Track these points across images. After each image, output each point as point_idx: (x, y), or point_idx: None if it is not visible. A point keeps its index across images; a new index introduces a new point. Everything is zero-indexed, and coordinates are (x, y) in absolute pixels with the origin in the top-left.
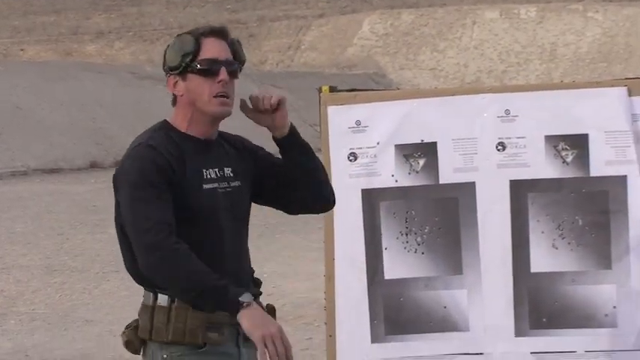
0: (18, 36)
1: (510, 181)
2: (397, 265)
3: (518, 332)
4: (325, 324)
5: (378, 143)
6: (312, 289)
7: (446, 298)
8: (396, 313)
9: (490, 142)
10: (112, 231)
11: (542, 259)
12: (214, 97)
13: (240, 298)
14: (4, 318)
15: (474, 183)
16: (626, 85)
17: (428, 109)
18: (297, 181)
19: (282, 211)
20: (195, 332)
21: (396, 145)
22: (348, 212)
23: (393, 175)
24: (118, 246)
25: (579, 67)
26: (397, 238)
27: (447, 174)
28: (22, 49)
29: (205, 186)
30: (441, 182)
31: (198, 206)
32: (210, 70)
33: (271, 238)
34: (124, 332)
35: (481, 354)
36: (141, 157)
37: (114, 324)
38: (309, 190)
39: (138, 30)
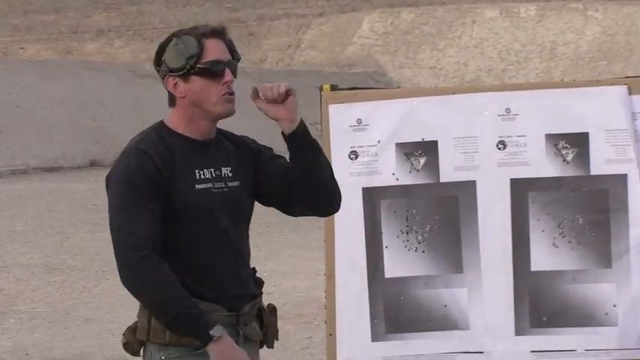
0: (18, 34)
1: (511, 179)
2: (398, 264)
3: (519, 331)
4: (325, 323)
5: (378, 142)
6: (312, 288)
7: (446, 296)
8: (396, 311)
9: (491, 141)
10: None
11: (543, 257)
12: (222, 96)
13: (211, 332)
14: (4, 317)
15: (474, 181)
16: (626, 84)
17: (428, 108)
18: (303, 181)
19: (283, 213)
20: None
21: (396, 144)
22: (348, 211)
23: (393, 174)
24: None
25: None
26: (398, 237)
27: (448, 172)
28: (22, 48)
29: (198, 186)
30: (441, 181)
31: (191, 207)
32: (215, 72)
33: (271, 236)
34: (123, 334)
35: (481, 352)
36: (129, 162)
37: (114, 323)
38: (314, 191)
39: (138, 28)
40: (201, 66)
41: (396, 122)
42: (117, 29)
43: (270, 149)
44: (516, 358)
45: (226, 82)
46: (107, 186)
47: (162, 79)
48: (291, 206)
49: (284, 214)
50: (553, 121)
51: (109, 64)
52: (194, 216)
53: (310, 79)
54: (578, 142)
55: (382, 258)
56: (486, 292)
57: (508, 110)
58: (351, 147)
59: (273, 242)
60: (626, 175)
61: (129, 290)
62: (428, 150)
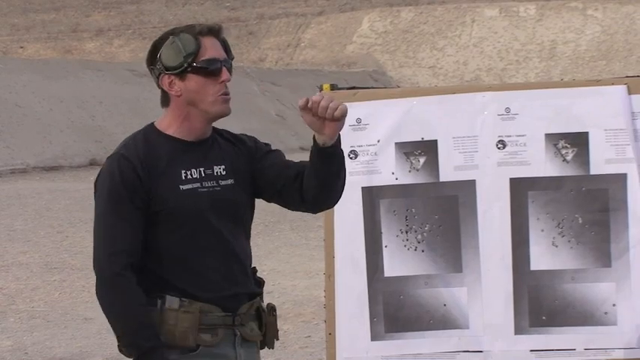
0: (17, 34)
1: (510, 179)
2: (397, 263)
3: (518, 330)
4: (325, 322)
5: (378, 141)
6: (311, 287)
7: (446, 295)
8: (395, 310)
9: (490, 140)
10: None
11: (542, 257)
12: (219, 96)
13: None
14: (4, 316)
15: (474, 181)
16: (626, 84)
17: (428, 107)
18: (317, 186)
19: (282, 207)
20: (185, 334)
21: (396, 143)
22: (348, 210)
23: (393, 173)
24: None
25: (578, 65)
26: (397, 236)
27: (448, 172)
28: (21, 47)
29: (183, 187)
30: (441, 180)
31: (176, 208)
32: (212, 71)
33: (270, 235)
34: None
35: (480, 352)
36: (110, 169)
37: None
38: (319, 193)
39: (137, 28)
40: (198, 64)
41: (395, 122)
42: (116, 28)
43: (268, 145)
44: (516, 357)
45: (223, 81)
46: (94, 192)
47: (157, 77)
48: (294, 204)
49: (283, 213)
50: (553, 121)
51: (109, 63)
52: (180, 217)
53: (309, 79)
54: (578, 141)
55: (382, 257)
56: (486, 292)
57: (508, 110)
58: (351, 146)
59: (273, 241)
60: (625, 174)
61: (98, 300)
62: (427, 149)
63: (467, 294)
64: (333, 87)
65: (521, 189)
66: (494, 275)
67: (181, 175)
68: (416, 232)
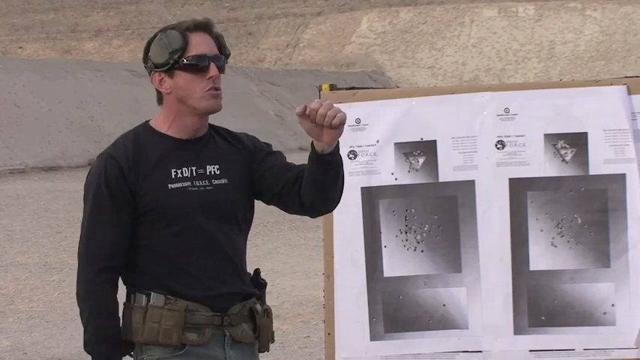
0: (16, 34)
1: (510, 179)
2: (396, 263)
3: (517, 330)
4: (324, 322)
5: (377, 141)
6: (310, 287)
7: (445, 296)
8: (395, 310)
9: (489, 141)
10: None
11: (541, 257)
12: (206, 91)
13: None
14: (3, 316)
15: (473, 181)
16: (625, 84)
17: (427, 108)
18: (315, 192)
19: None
20: (169, 332)
21: (395, 144)
22: (347, 210)
23: (392, 173)
24: None
25: (577, 66)
26: (396, 236)
27: (447, 172)
28: (20, 47)
29: (172, 186)
30: (440, 180)
31: (163, 207)
32: (200, 67)
33: (269, 236)
34: None
35: (480, 352)
36: (97, 169)
37: None
38: (316, 198)
39: (136, 28)
40: (185, 61)
41: (394, 122)
42: (115, 28)
43: (269, 145)
44: (515, 357)
45: (211, 77)
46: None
47: (150, 75)
48: (292, 207)
49: (281, 213)
50: (552, 121)
51: (108, 64)
52: (168, 215)
53: (308, 79)
54: (577, 141)
55: (381, 257)
56: (485, 292)
57: (507, 110)
58: (350, 147)
59: (272, 241)
60: (624, 174)
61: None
62: (427, 150)
63: (466, 294)
64: (332, 87)
65: (520, 189)
66: (494, 275)
67: (171, 173)
68: (415, 232)
